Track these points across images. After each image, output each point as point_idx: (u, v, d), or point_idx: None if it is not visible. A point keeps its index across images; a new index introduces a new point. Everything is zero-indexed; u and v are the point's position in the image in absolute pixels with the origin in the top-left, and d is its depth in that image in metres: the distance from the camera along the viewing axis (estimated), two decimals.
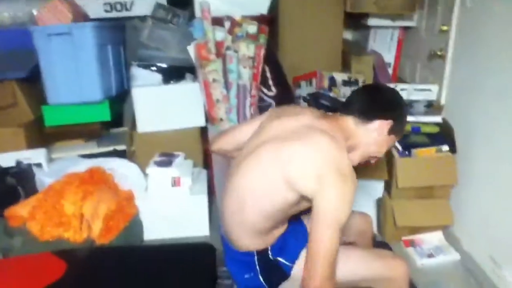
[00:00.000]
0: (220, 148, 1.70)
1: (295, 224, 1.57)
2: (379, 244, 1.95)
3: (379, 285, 1.52)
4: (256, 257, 1.45)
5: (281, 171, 1.31)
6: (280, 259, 1.46)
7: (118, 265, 1.77)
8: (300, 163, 1.30)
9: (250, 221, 1.40)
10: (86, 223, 2.29)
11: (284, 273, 1.45)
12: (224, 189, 1.49)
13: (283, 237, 1.49)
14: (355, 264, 1.50)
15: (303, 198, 1.32)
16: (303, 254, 1.42)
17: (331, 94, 2.71)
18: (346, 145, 1.41)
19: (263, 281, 1.47)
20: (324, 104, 2.45)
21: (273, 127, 1.47)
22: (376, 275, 1.50)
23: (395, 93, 1.51)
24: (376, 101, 1.47)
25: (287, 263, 1.45)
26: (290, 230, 1.51)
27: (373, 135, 1.45)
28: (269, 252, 1.45)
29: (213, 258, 1.78)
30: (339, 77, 2.75)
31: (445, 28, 2.50)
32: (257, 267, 1.46)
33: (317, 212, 1.25)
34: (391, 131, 1.45)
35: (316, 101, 2.49)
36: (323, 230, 1.23)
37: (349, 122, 1.45)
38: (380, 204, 2.60)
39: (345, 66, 3.03)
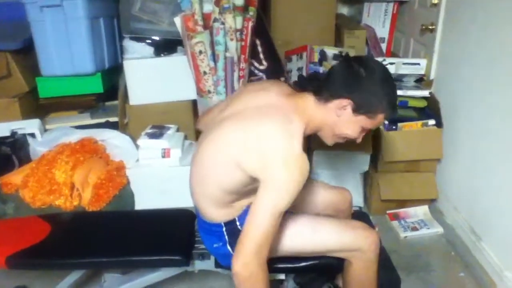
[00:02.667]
0: (204, 126, 1.71)
1: None
2: (358, 214, 1.97)
3: (349, 256, 1.54)
4: (224, 228, 1.49)
5: (233, 153, 1.32)
6: None
7: (99, 228, 1.82)
8: (249, 148, 1.30)
9: (212, 193, 1.42)
10: (77, 191, 2.36)
11: None
12: (192, 160, 1.52)
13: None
14: (324, 234, 1.51)
15: (256, 179, 1.31)
16: None
17: (322, 69, 2.72)
18: (310, 128, 1.39)
19: (231, 251, 1.49)
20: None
21: (240, 101, 1.47)
22: (345, 246, 1.52)
23: (367, 66, 1.35)
24: (334, 77, 1.37)
25: None
26: None
27: (333, 116, 1.37)
28: (237, 222, 1.48)
29: (193, 223, 1.82)
30: (330, 51, 2.75)
31: (435, 1, 2.49)
32: (225, 237, 1.49)
33: (259, 195, 1.27)
34: (356, 111, 1.35)
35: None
36: (258, 214, 1.26)
37: (309, 101, 1.39)
38: (366, 177, 2.63)
39: (339, 41, 3.03)
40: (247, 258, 1.26)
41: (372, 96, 1.34)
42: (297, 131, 1.32)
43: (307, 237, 1.50)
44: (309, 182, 1.79)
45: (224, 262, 1.60)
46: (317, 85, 1.40)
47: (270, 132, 1.30)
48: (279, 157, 1.26)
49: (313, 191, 1.75)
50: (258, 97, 1.43)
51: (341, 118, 1.37)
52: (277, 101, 1.39)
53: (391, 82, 1.41)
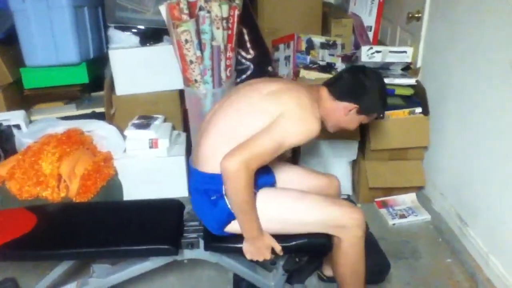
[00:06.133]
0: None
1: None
2: None
3: (336, 232, 1.58)
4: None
5: (260, 106, 1.53)
6: None
7: (87, 219, 1.81)
8: (276, 101, 1.51)
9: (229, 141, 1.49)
10: (64, 183, 2.34)
11: None
12: (212, 112, 1.65)
13: None
14: (310, 207, 1.57)
15: None
16: (265, 188, 1.62)
17: (309, 58, 2.72)
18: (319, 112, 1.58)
19: (227, 202, 1.52)
20: None
21: (252, 87, 1.62)
22: (331, 220, 1.56)
23: (370, 79, 1.59)
24: (346, 84, 1.61)
25: None
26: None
27: (340, 112, 1.61)
28: None
29: (181, 213, 1.82)
30: (317, 39, 2.74)
31: None
32: (223, 185, 1.49)
33: (273, 124, 1.46)
34: (360, 113, 1.61)
35: None
36: (265, 135, 1.45)
37: (324, 92, 1.62)
38: (354, 165, 2.64)
39: (326, 29, 3.03)
40: (239, 158, 1.40)
41: (373, 104, 1.62)
42: (316, 105, 1.57)
43: (292, 208, 1.57)
44: (297, 168, 1.87)
45: (215, 226, 1.60)
46: (331, 82, 1.63)
47: (299, 98, 1.52)
48: (301, 115, 1.49)
49: (301, 176, 1.80)
50: (270, 84, 1.61)
51: (347, 117, 1.62)
52: (292, 85, 1.62)
53: (385, 88, 1.68)
